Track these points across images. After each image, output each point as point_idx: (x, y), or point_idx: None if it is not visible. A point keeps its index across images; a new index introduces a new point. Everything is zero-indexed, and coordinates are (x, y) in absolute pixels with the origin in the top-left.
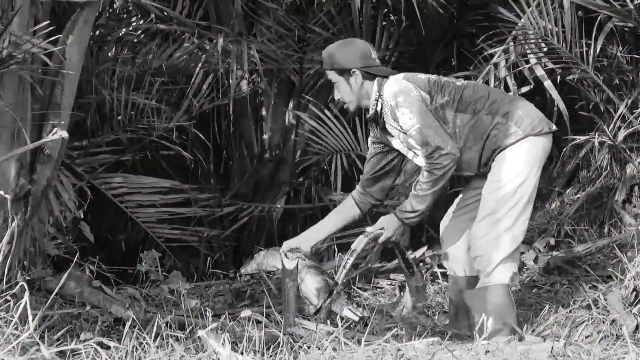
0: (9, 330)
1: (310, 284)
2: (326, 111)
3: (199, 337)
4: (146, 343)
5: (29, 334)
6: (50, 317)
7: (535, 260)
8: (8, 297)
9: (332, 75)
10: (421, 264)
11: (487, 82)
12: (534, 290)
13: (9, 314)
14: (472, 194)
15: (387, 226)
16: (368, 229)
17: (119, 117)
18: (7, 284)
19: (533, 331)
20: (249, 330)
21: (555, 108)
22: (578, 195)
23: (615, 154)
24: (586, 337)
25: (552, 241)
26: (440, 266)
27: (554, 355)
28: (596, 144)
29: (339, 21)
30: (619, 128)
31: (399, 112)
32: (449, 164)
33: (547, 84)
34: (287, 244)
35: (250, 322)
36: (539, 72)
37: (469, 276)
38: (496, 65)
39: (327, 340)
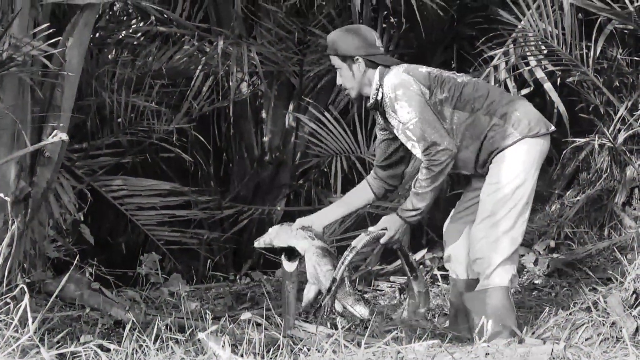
0: (8, 333)
1: (313, 266)
2: (326, 113)
3: (199, 340)
4: (146, 346)
5: (29, 337)
6: (50, 319)
7: (535, 262)
8: (8, 300)
9: (335, 61)
10: (421, 266)
11: None
12: (533, 293)
13: (9, 317)
14: (473, 195)
15: (389, 226)
16: (370, 228)
17: (119, 120)
18: (7, 286)
19: (533, 334)
20: (249, 332)
21: (555, 110)
22: (578, 198)
23: (615, 156)
24: (586, 340)
25: (552, 244)
26: (440, 269)
27: (554, 358)
28: (596, 146)
29: (339, 23)
30: (619, 130)
31: (397, 105)
32: (447, 159)
33: (547, 86)
34: (300, 221)
35: (250, 324)
36: (539, 74)
37: (469, 279)
38: (496, 67)
39: (327, 342)
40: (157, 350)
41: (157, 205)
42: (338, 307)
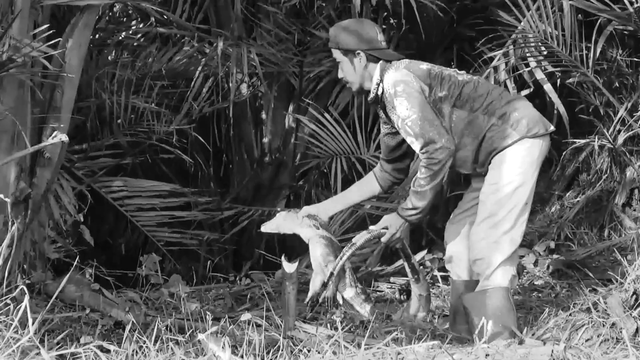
0: (9, 334)
1: (317, 254)
2: (326, 114)
3: (199, 341)
4: (146, 347)
5: (29, 338)
6: (50, 320)
7: (535, 263)
8: (8, 301)
9: (336, 54)
10: (421, 267)
11: None
12: (534, 294)
13: (9, 318)
14: (474, 196)
15: (390, 225)
16: (372, 227)
17: (119, 121)
18: (7, 287)
19: (533, 334)
20: (249, 333)
21: (555, 111)
22: (578, 199)
23: (615, 157)
24: (586, 341)
25: (552, 244)
26: (440, 269)
27: (554, 359)
28: (596, 147)
29: None
30: (619, 131)
31: (396, 101)
32: (445, 157)
33: (547, 87)
34: (306, 210)
35: (250, 325)
36: (539, 75)
37: (470, 280)
38: (496, 68)
39: (327, 343)
40: (157, 351)
41: (157, 206)
42: (339, 298)
